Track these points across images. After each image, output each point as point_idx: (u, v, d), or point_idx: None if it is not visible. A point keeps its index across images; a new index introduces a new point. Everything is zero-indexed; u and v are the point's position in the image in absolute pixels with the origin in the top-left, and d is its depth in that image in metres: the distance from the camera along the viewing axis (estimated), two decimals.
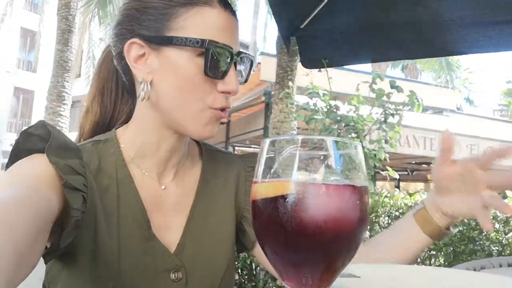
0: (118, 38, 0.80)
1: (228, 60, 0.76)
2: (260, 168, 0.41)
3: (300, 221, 0.37)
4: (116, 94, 0.92)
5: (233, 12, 0.80)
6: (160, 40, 0.75)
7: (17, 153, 0.72)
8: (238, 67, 0.80)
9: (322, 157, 0.40)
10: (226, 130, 11.09)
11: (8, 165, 0.71)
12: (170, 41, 0.74)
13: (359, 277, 0.55)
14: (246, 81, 0.85)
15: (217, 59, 0.74)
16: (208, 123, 0.79)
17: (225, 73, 0.76)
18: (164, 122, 0.80)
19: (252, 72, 0.88)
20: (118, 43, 0.80)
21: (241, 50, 0.80)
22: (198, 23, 0.74)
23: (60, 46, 7.75)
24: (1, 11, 13.72)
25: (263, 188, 0.40)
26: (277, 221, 0.38)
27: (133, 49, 0.77)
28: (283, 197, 0.38)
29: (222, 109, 0.79)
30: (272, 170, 0.40)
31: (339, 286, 0.53)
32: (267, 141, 0.42)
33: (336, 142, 0.40)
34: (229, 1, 0.81)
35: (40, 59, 19.10)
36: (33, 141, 0.72)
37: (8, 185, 0.62)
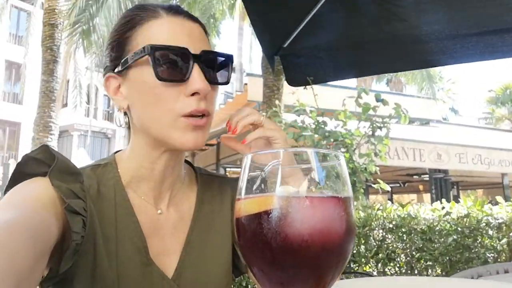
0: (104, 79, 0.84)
1: (187, 60, 0.74)
2: (243, 184, 0.41)
3: (285, 236, 0.36)
4: None
5: (187, 17, 0.80)
6: (123, 66, 0.77)
7: (18, 177, 0.71)
8: (208, 67, 0.77)
9: (304, 171, 0.39)
10: (216, 151, 11.08)
11: (8, 188, 0.70)
12: (128, 62, 0.76)
13: None
14: (227, 81, 0.81)
15: (170, 61, 0.73)
16: (185, 133, 0.75)
17: (186, 75, 0.73)
18: (150, 143, 0.80)
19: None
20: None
21: (207, 50, 0.77)
22: (146, 37, 0.76)
23: (45, 76, 7.75)
24: None
25: (246, 204, 0.39)
26: (261, 238, 0.37)
27: (110, 84, 0.81)
28: (267, 212, 0.37)
29: (200, 115, 0.75)
30: (255, 186, 0.39)
31: None
32: (249, 157, 0.41)
33: (318, 153, 0.40)
34: (184, 10, 0.82)
35: (26, 90, 19.01)
36: (35, 165, 0.71)
37: (9, 208, 0.61)
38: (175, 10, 0.79)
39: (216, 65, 0.79)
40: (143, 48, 0.73)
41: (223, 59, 0.80)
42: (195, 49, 0.75)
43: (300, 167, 0.40)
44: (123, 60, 0.77)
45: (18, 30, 24.02)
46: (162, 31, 0.76)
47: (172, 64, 0.73)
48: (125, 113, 0.86)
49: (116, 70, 0.79)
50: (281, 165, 0.40)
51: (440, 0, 1.99)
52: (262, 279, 0.40)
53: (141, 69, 0.75)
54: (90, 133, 24.03)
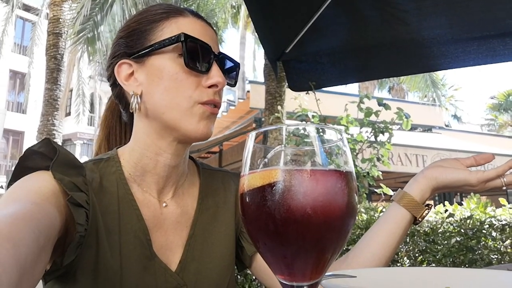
0: (110, 67, 0.86)
1: (209, 55, 0.81)
2: (247, 161, 0.42)
3: (288, 208, 0.37)
4: (121, 137, 0.99)
5: (206, 22, 0.87)
6: (143, 53, 0.81)
7: (20, 170, 0.72)
8: (222, 68, 0.85)
9: (307, 149, 0.40)
10: (218, 158, 11.09)
11: (11, 182, 0.71)
12: (152, 49, 0.80)
13: (355, 276, 0.55)
14: (235, 83, 0.90)
15: (196, 53, 0.80)
16: (200, 120, 0.80)
17: (208, 67, 0.81)
18: (158, 132, 0.82)
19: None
20: (111, 72, 0.86)
21: (222, 52, 0.85)
22: (174, 29, 0.81)
23: (49, 85, 7.81)
24: None
25: (249, 179, 0.40)
26: (265, 210, 0.38)
27: (123, 70, 0.83)
28: (270, 185, 0.38)
29: (214, 105, 0.82)
30: (259, 162, 0.41)
31: (335, 285, 0.53)
32: (253, 134, 0.42)
33: (320, 130, 0.41)
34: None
35: (30, 100, 19.16)
36: (37, 158, 0.73)
37: (12, 201, 0.62)
38: (198, 15, 0.87)
39: (227, 67, 0.88)
40: (176, 36, 0.78)
41: (232, 64, 0.89)
42: (214, 50, 0.83)
43: (303, 149, 0.41)
44: (144, 47, 0.81)
45: (23, 40, 24.29)
46: (190, 27, 0.82)
47: (198, 55, 0.80)
48: (120, 101, 0.89)
49: (132, 55, 0.82)
50: (285, 147, 0.41)
51: (442, 5, 2.00)
52: (266, 253, 0.41)
53: (166, 56, 0.80)
54: (93, 142, 24.09)
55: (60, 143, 7.90)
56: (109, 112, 1.00)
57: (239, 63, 0.91)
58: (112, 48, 0.88)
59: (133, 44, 0.83)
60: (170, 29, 0.81)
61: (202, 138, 0.82)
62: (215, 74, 0.81)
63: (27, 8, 19.35)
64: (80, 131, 23.63)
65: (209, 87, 0.81)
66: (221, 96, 0.85)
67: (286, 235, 0.38)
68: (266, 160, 0.40)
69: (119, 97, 0.89)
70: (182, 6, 0.89)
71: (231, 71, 0.90)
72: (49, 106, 7.78)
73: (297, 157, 0.40)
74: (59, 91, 7.89)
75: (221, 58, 0.85)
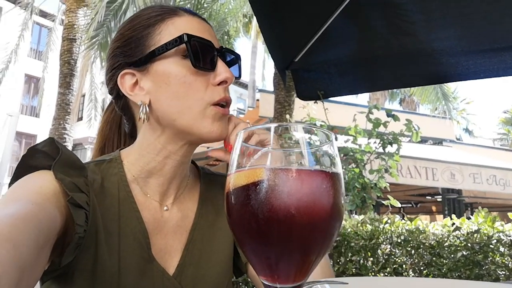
0: (111, 80, 0.84)
1: (212, 52, 0.80)
2: (234, 160, 0.41)
3: (271, 207, 0.36)
4: (118, 147, 0.96)
5: (201, 18, 0.85)
6: (144, 60, 0.79)
7: (23, 169, 0.72)
8: (225, 62, 0.83)
9: (295, 150, 0.40)
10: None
11: (13, 181, 0.71)
12: (153, 55, 0.78)
13: (347, 283, 0.54)
14: (239, 76, 0.88)
15: (200, 52, 0.78)
16: (213, 121, 0.79)
17: (213, 65, 0.80)
18: (170, 137, 0.81)
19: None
20: (113, 85, 0.84)
21: (224, 46, 0.84)
22: (172, 30, 0.79)
23: (62, 89, 7.94)
24: (6, 59, 14.11)
25: (235, 178, 0.40)
26: (248, 209, 0.37)
27: (126, 80, 0.81)
28: (254, 184, 0.38)
29: (224, 105, 0.80)
30: (245, 162, 0.40)
31: None
32: (241, 133, 0.42)
33: (309, 131, 0.41)
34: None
35: (43, 104, 19.42)
36: (40, 157, 0.73)
37: (13, 201, 0.62)
38: (192, 12, 0.85)
39: (229, 60, 0.86)
40: (178, 37, 0.76)
41: (233, 56, 0.87)
42: (215, 45, 0.82)
43: (292, 151, 0.41)
44: (145, 54, 0.78)
45: (38, 45, 24.76)
46: (188, 26, 0.80)
47: (202, 54, 0.78)
48: (125, 113, 0.88)
49: (134, 64, 0.80)
50: (272, 151, 0.41)
51: (450, 17, 2.00)
52: (250, 254, 0.40)
53: (170, 60, 0.78)
54: None
55: (70, 147, 8.01)
56: (106, 124, 0.98)
57: (239, 55, 0.89)
58: (109, 60, 0.85)
59: (132, 52, 0.80)
60: (168, 31, 0.79)
61: (218, 139, 0.81)
62: (223, 70, 0.80)
63: (44, 14, 19.72)
64: (91, 136, 23.84)
65: (219, 84, 0.79)
66: (229, 93, 0.83)
67: (269, 235, 0.37)
68: (252, 160, 0.40)
69: (125, 108, 0.87)
70: (175, 6, 0.87)
71: (234, 64, 0.88)
72: (61, 110, 7.90)
73: (284, 157, 0.40)
74: (71, 95, 8.01)
75: (223, 53, 0.83)
